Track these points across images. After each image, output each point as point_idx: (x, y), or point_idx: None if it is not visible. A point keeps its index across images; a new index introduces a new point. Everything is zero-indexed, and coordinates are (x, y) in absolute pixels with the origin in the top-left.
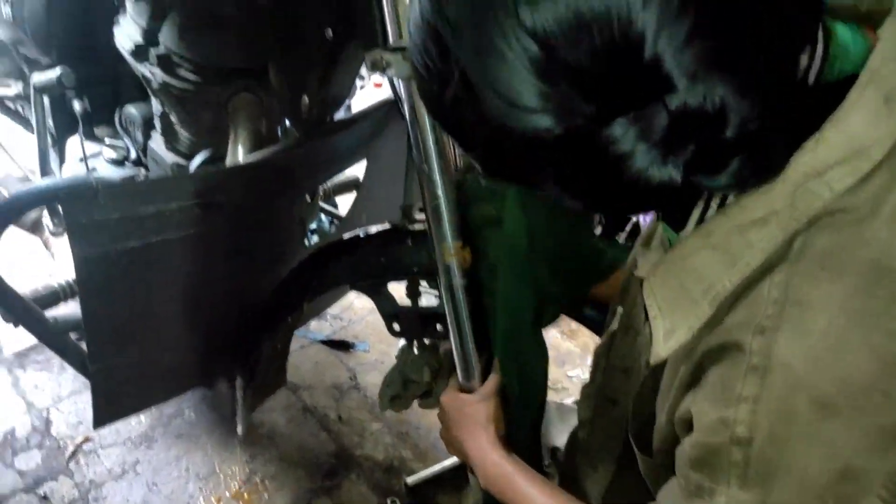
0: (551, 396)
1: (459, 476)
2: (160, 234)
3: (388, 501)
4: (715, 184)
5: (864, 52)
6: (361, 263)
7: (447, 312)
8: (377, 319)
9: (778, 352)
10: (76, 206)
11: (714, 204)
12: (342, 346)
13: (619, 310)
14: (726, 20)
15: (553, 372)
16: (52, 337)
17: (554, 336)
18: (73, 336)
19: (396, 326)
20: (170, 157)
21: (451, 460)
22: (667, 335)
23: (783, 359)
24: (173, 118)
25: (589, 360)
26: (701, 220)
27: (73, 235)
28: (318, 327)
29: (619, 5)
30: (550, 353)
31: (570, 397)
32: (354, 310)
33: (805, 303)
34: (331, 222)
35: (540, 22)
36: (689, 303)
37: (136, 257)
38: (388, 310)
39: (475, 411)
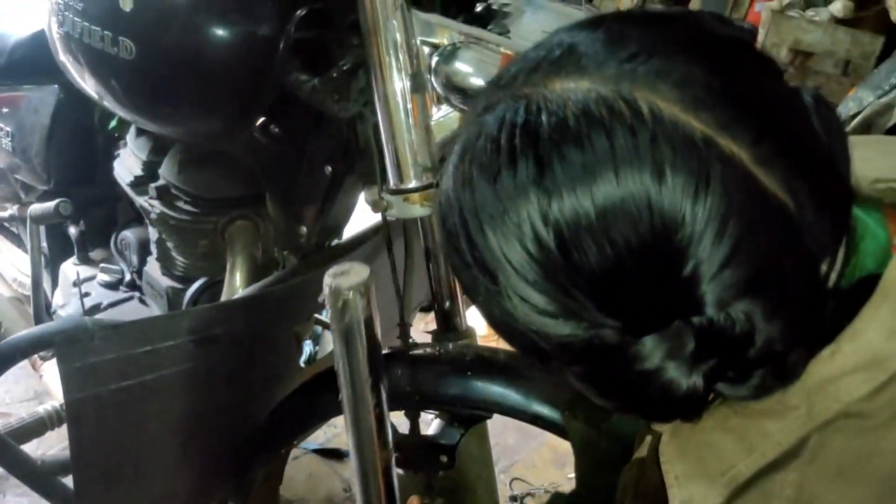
0: None
1: None
2: (154, 372)
3: None
4: (736, 393)
5: (884, 244)
6: None
7: None
8: None
9: None
10: (71, 351)
11: None
12: (335, 454)
13: (648, 438)
14: (761, 246)
15: (552, 474)
16: (39, 479)
17: (552, 437)
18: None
19: (398, 456)
20: (165, 282)
21: None
22: None
23: None
24: (170, 245)
25: None
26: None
27: (65, 379)
28: (312, 436)
29: (670, 203)
30: (549, 456)
31: None
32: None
33: None
34: (322, 329)
35: (559, 212)
36: (706, 480)
37: (130, 395)
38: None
39: None
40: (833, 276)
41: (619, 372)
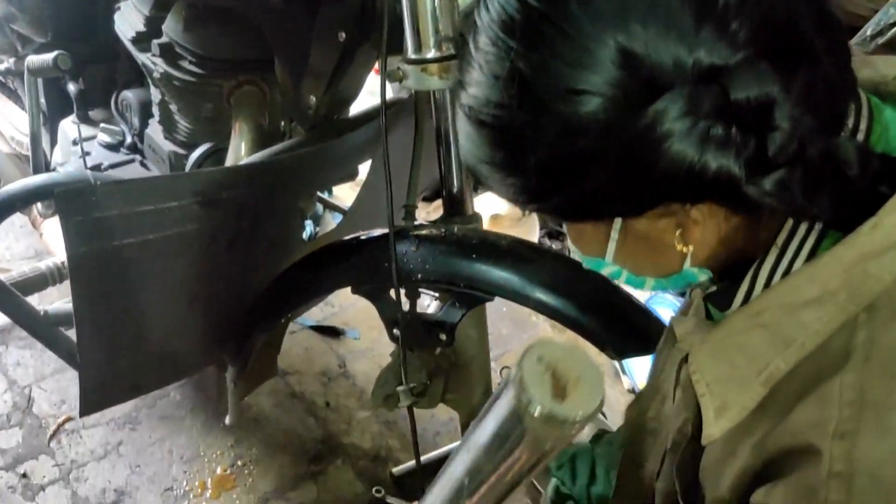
0: None
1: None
2: (157, 231)
3: (374, 490)
4: (758, 191)
5: None
6: (363, 267)
7: None
8: (368, 306)
9: (861, 457)
10: (72, 204)
11: (760, 283)
12: (332, 332)
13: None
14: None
15: None
16: (42, 330)
17: (545, 329)
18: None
19: (397, 332)
20: (167, 146)
21: (438, 452)
22: (717, 414)
23: (868, 464)
24: (173, 107)
25: None
26: (746, 299)
27: (67, 232)
28: (309, 313)
29: None
30: None
31: None
32: (346, 296)
33: (883, 404)
34: (324, 209)
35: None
36: (740, 383)
37: (132, 253)
38: (390, 315)
39: None
40: (861, 129)
41: (641, 144)
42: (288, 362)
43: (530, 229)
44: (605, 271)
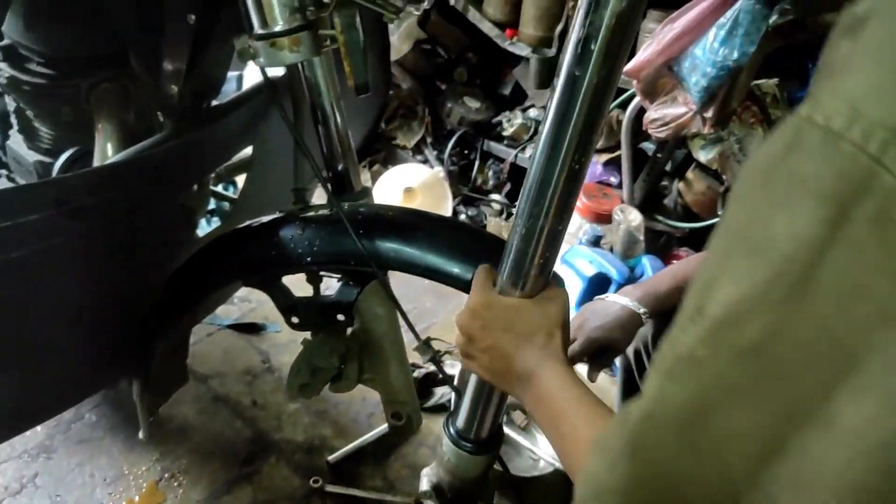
0: None
1: (381, 448)
2: (21, 248)
3: (311, 482)
4: None
5: None
6: (251, 258)
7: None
8: None
9: None
10: None
11: None
12: (252, 328)
13: None
14: None
15: None
16: None
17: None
18: None
19: (295, 319)
20: (31, 156)
21: (372, 433)
22: None
23: None
24: (30, 114)
25: None
26: None
27: None
28: (226, 312)
29: None
30: None
31: None
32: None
33: None
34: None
35: None
36: None
37: None
38: (285, 303)
39: (539, 313)
40: None
41: None
42: (209, 366)
43: (443, 199)
44: None
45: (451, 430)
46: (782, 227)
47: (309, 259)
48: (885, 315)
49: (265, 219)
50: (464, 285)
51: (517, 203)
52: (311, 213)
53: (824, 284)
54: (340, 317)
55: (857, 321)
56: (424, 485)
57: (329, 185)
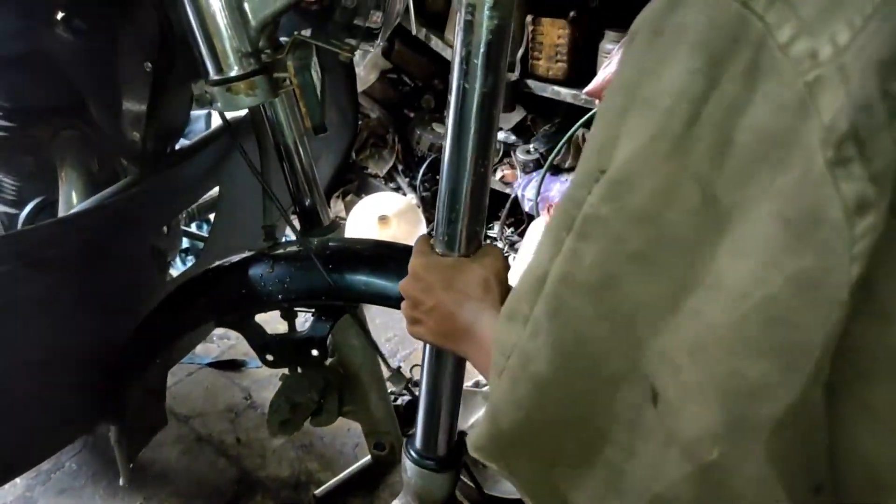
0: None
1: (367, 478)
2: None
3: None
4: None
5: None
6: (223, 298)
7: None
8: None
9: None
10: None
11: None
12: (232, 365)
13: None
14: None
15: None
16: None
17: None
18: None
19: (270, 357)
20: None
21: (358, 464)
22: None
23: None
24: None
25: None
26: None
27: None
28: (205, 350)
29: None
30: None
31: (469, 381)
32: None
33: None
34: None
35: None
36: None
37: None
38: (258, 342)
39: (476, 267)
40: None
41: None
42: (189, 406)
43: (417, 225)
44: None
45: (412, 452)
46: (666, 81)
47: (280, 296)
48: (754, 171)
49: (235, 258)
50: None
51: (438, 186)
52: (281, 251)
53: (701, 140)
54: (315, 352)
55: (730, 178)
56: None
57: (296, 222)
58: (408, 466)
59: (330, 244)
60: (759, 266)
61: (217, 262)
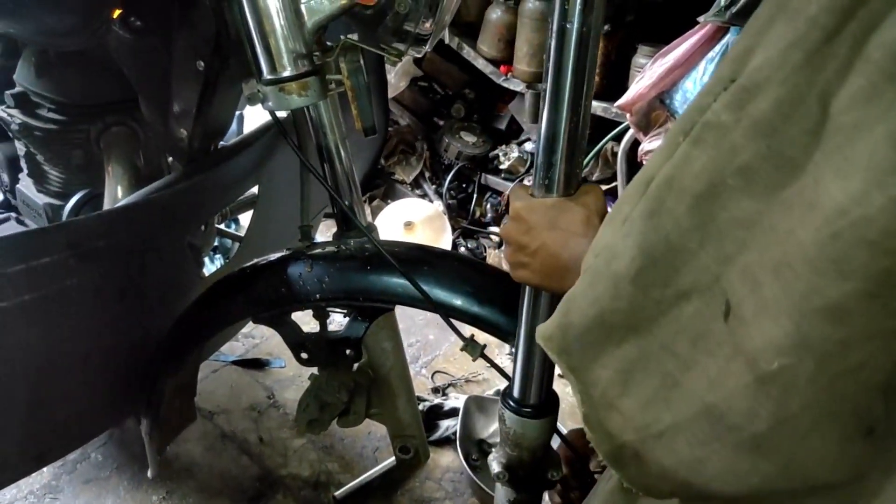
0: (472, 389)
1: (387, 482)
2: (33, 291)
3: None
4: None
5: None
6: (260, 296)
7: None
8: None
9: None
10: None
11: None
12: (256, 364)
13: None
14: None
15: (471, 365)
16: None
17: (471, 329)
18: None
19: (304, 355)
20: (41, 199)
21: (378, 468)
22: None
23: None
24: (40, 158)
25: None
26: None
27: None
28: (230, 348)
29: None
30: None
31: (490, 389)
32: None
33: None
34: (232, 242)
35: None
36: None
37: (8, 318)
38: (294, 339)
39: (578, 206)
40: None
41: None
42: (214, 402)
43: (443, 232)
44: None
45: (510, 402)
46: None
47: (318, 295)
48: (879, 90)
49: (273, 257)
50: (470, 318)
51: (537, 124)
52: (319, 251)
53: (836, 57)
54: (349, 352)
55: (853, 96)
56: (495, 467)
57: (342, 221)
58: (506, 416)
59: (367, 246)
60: (861, 185)
61: (255, 261)
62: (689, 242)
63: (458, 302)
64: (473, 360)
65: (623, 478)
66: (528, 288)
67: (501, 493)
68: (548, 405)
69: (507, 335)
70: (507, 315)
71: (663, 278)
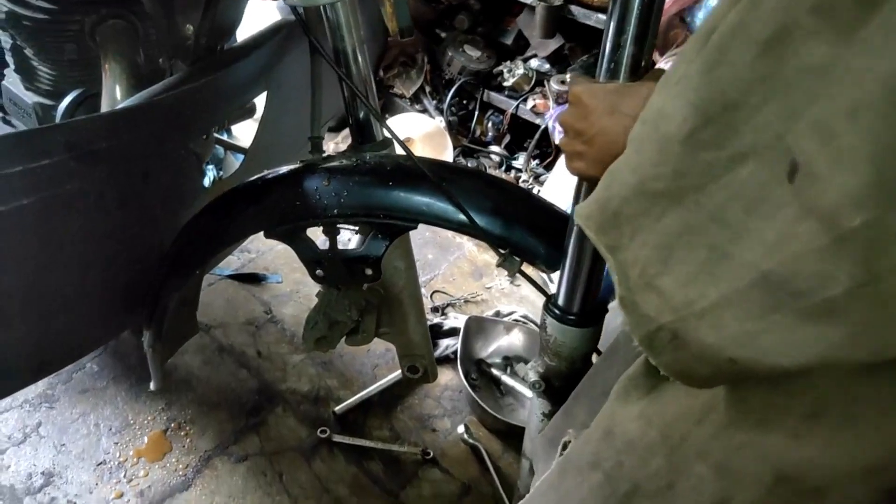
0: (470, 309)
1: (387, 399)
2: (32, 194)
3: (319, 432)
4: None
5: None
6: (274, 209)
7: None
8: (286, 248)
9: None
10: None
11: None
12: (253, 279)
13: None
14: None
15: (470, 285)
16: None
17: (469, 250)
18: None
19: (320, 272)
20: (30, 97)
21: (378, 384)
22: None
23: None
24: (28, 52)
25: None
26: None
27: None
28: (225, 262)
29: None
30: (467, 268)
31: (490, 310)
32: (261, 240)
33: None
34: (225, 151)
35: None
36: None
37: (5, 223)
38: (310, 256)
39: (643, 90)
40: None
41: None
42: (211, 316)
43: (444, 150)
44: None
45: (554, 310)
46: None
47: (336, 211)
48: None
49: (285, 169)
50: (493, 239)
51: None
52: (336, 163)
53: None
54: (368, 271)
55: None
56: (532, 376)
57: (358, 133)
58: (548, 324)
59: (387, 160)
60: None
61: (266, 172)
62: (751, 98)
63: (484, 222)
64: (510, 276)
65: (658, 364)
66: (583, 185)
67: (536, 405)
68: (593, 315)
69: (534, 258)
70: (535, 238)
71: (718, 139)
